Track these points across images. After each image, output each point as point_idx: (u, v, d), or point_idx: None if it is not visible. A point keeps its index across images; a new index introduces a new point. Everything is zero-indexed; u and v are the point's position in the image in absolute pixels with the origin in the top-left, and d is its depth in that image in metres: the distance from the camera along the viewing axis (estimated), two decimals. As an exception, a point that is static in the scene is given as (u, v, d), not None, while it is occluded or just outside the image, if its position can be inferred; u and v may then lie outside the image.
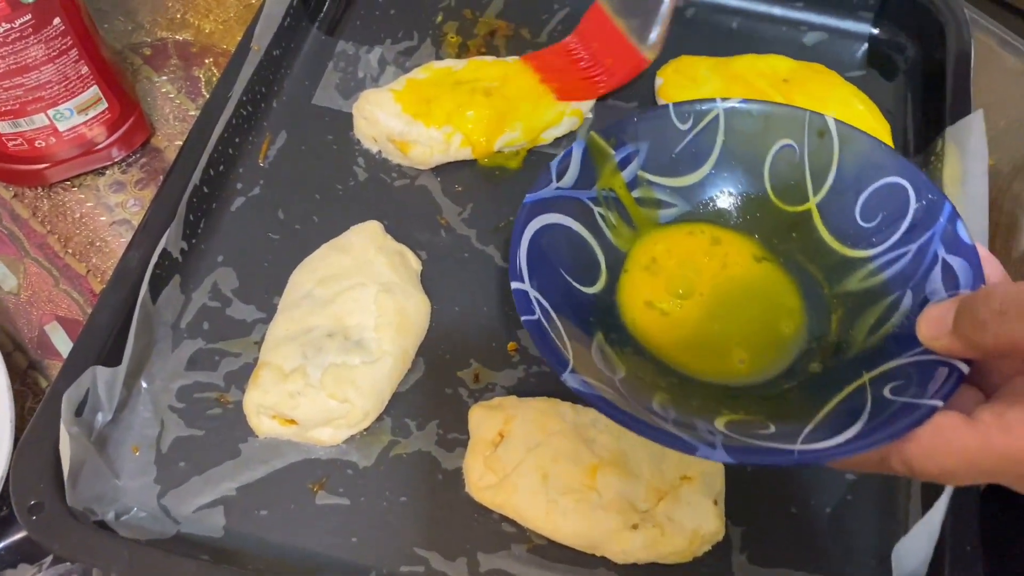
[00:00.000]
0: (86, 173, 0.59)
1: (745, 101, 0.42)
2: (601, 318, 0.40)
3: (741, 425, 0.34)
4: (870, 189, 0.40)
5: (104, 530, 0.42)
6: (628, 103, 0.59)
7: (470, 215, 0.54)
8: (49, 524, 0.40)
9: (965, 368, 0.31)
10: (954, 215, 0.37)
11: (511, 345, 0.49)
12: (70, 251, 0.57)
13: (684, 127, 0.42)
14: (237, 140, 0.55)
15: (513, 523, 0.44)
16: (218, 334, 0.49)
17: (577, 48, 0.59)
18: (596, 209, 0.42)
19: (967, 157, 0.50)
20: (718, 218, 0.43)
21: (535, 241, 0.39)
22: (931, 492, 0.43)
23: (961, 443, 0.28)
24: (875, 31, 0.62)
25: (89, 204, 0.59)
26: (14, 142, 0.55)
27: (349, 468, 0.45)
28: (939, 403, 0.30)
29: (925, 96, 0.58)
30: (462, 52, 0.61)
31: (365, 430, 0.46)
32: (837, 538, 0.44)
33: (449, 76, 0.56)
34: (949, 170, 0.52)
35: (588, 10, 0.59)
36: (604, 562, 0.43)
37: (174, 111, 0.63)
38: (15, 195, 0.59)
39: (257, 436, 0.46)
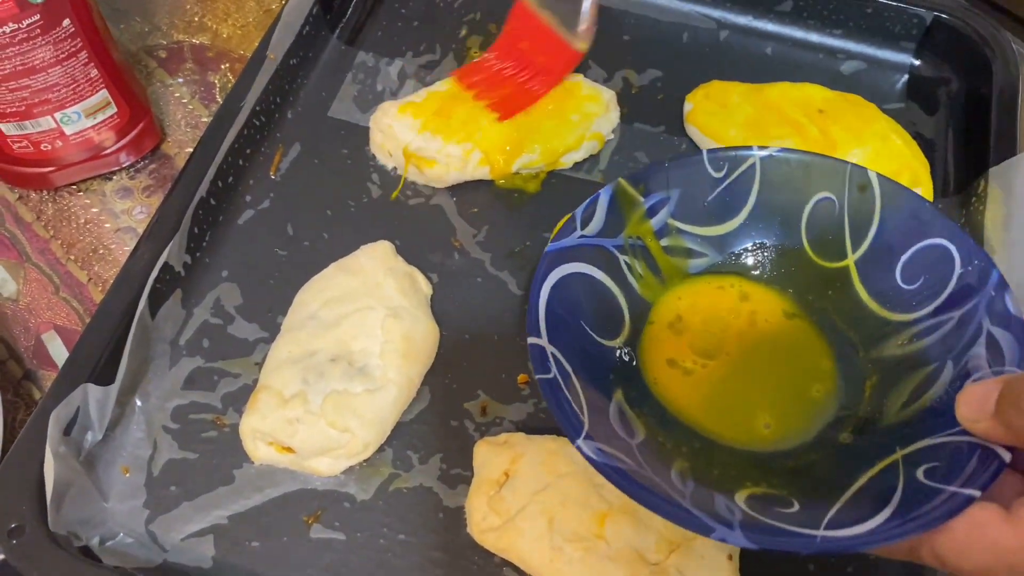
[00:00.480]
0: (93, 178, 0.58)
1: (783, 150, 0.40)
2: (621, 374, 0.38)
3: (763, 501, 0.32)
4: (913, 249, 0.38)
5: (87, 557, 0.40)
6: (655, 127, 0.57)
7: (485, 238, 0.52)
8: (29, 549, 0.39)
9: (1007, 456, 0.29)
10: (1002, 284, 0.35)
11: (521, 377, 0.47)
12: (72, 258, 0.56)
13: (718, 175, 0.41)
14: (248, 151, 0.53)
15: (516, 569, 0.41)
16: (218, 353, 0.47)
17: (501, 56, 0.55)
18: (622, 258, 0.40)
19: (1012, 200, 0.48)
20: (750, 271, 0.41)
21: (556, 291, 0.37)
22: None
23: (999, 540, 0.27)
24: (916, 62, 0.59)
25: (95, 210, 0.57)
26: (19, 144, 0.53)
27: (346, 501, 0.43)
28: (976, 493, 0.29)
29: (968, 133, 0.56)
30: (485, 68, 0.59)
31: (365, 461, 0.44)
32: (859, 601, 0.41)
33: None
34: (991, 213, 0.49)
35: (512, 10, 0.55)
36: (611, 616, 0.40)
37: (186, 117, 0.61)
38: (19, 197, 0.58)
39: (252, 462, 0.44)
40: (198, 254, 0.50)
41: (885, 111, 0.55)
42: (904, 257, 0.38)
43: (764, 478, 0.35)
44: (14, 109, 0.51)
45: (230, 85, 0.62)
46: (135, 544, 0.42)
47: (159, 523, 0.42)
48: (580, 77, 0.57)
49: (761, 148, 0.40)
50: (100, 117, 0.54)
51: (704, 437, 0.37)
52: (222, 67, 0.64)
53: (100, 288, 0.54)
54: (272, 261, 0.50)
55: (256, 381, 0.46)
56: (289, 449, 0.43)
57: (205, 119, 0.61)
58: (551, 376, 0.35)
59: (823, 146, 0.52)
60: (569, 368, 0.36)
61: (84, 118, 0.53)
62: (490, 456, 0.43)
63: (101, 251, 0.56)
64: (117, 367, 0.43)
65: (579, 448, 0.32)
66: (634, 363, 0.39)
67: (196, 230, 0.49)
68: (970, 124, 0.56)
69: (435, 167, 0.53)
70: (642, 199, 0.41)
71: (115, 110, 0.54)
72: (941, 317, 0.36)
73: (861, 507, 0.31)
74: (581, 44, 0.53)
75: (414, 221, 0.53)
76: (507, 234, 0.52)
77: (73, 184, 0.58)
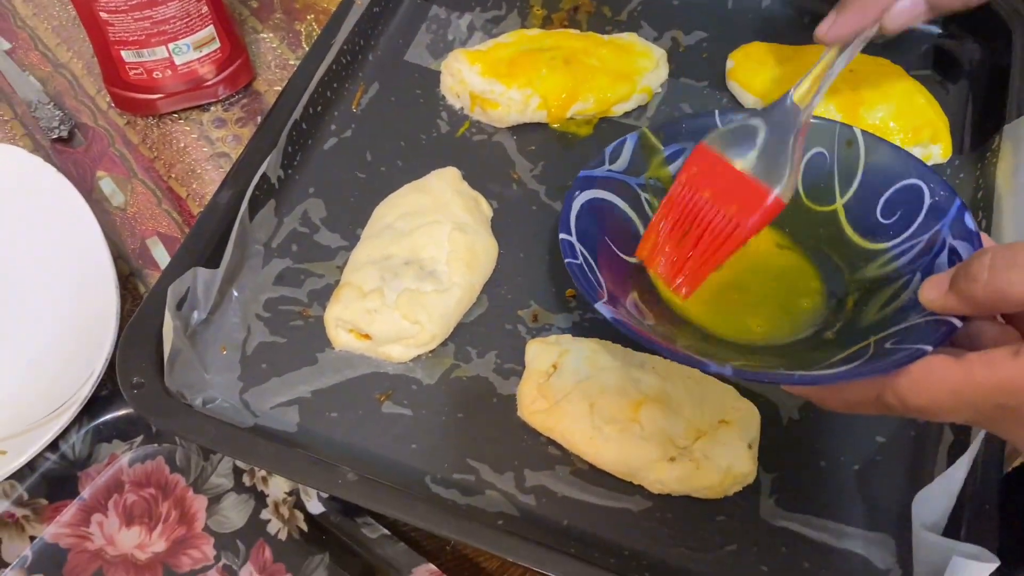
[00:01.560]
0: (192, 108, 0.65)
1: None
2: (637, 281, 0.45)
3: (753, 367, 0.38)
4: (891, 190, 0.45)
5: (194, 410, 0.47)
6: (699, 82, 0.62)
7: (541, 172, 0.58)
8: (148, 399, 0.45)
9: (959, 323, 0.34)
10: (962, 209, 0.41)
11: (569, 291, 0.53)
12: (173, 176, 0.63)
13: (727, 128, 0.46)
14: (335, 86, 0.60)
15: (559, 447, 0.47)
16: (305, 256, 0.54)
17: (678, 209, 0.45)
18: (643, 194, 0.47)
19: (1021, 151, 0.53)
20: None
21: (584, 208, 0.44)
22: (957, 455, 0.46)
23: (947, 376, 0.31)
24: (942, 32, 0.64)
25: (193, 136, 0.64)
26: (135, 71, 0.61)
27: (414, 384, 0.49)
28: (929, 348, 0.33)
29: (987, 97, 0.60)
30: (546, 24, 0.65)
31: (431, 352, 0.50)
32: (862, 493, 0.46)
33: (533, 43, 0.60)
34: (1004, 165, 0.54)
35: (690, 156, 0.46)
36: (640, 490, 0.46)
37: (275, 59, 0.68)
38: (128, 123, 0.65)
39: (333, 348, 0.50)
40: (290, 171, 0.56)
41: (912, 76, 0.60)
42: (884, 197, 0.45)
43: (756, 359, 0.41)
44: (135, 38, 0.58)
45: (315, 33, 0.69)
46: (231, 408, 0.48)
47: (251, 393, 0.49)
48: (634, 35, 0.62)
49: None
50: (205, 51, 0.61)
51: (706, 332, 0.43)
52: (308, 17, 0.71)
53: (197, 203, 0.61)
54: (352, 182, 0.57)
55: (338, 281, 0.52)
56: (366, 336, 0.50)
57: (292, 62, 0.68)
58: (579, 261, 0.41)
59: (852, 102, 0.57)
60: (593, 261, 0.42)
61: (192, 50, 0.60)
62: (540, 351, 0.49)
63: (198, 171, 0.63)
64: (221, 257, 0.50)
65: (599, 310, 0.39)
66: (647, 275, 0.45)
67: (289, 149, 0.56)
68: (990, 89, 0.60)
69: (498, 109, 0.59)
70: (662, 147, 0.47)
71: (218, 45, 0.61)
72: (913, 241, 0.43)
73: (836, 367, 0.37)
74: (785, 195, 0.43)
75: (477, 155, 0.59)
76: (560, 170, 0.58)
77: (175, 112, 0.65)
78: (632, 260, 0.46)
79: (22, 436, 0.49)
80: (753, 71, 0.60)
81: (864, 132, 0.46)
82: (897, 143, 0.56)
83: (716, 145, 0.45)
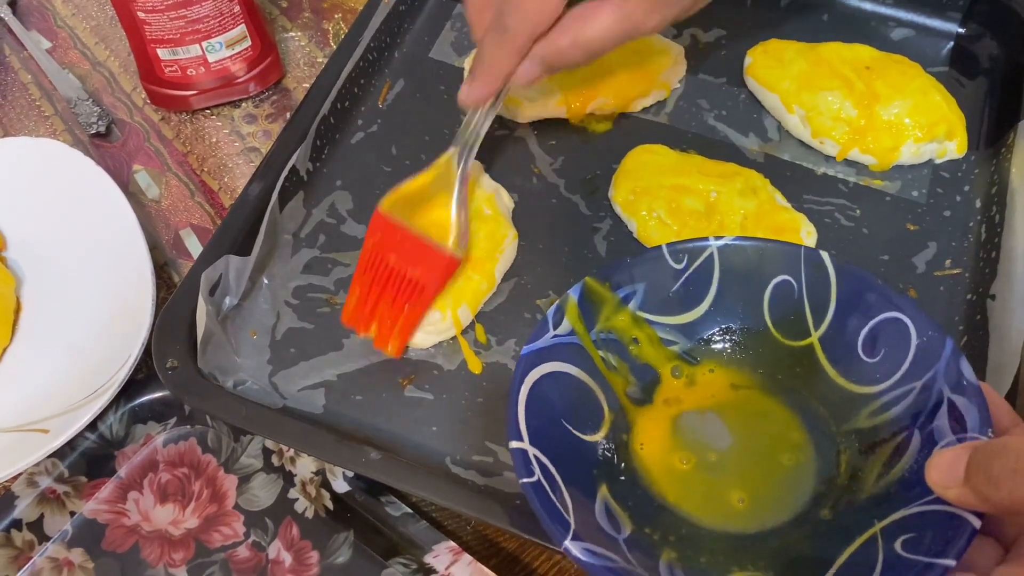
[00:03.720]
0: (224, 104, 0.67)
1: (739, 239, 0.42)
2: (604, 468, 0.40)
3: None
4: (871, 324, 0.39)
5: (225, 391, 0.49)
6: (717, 79, 0.63)
7: (560, 166, 0.59)
8: (182, 380, 0.48)
9: (977, 523, 0.31)
10: (956, 353, 0.36)
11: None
12: (206, 170, 0.65)
13: (679, 266, 0.42)
14: (362, 82, 0.62)
15: (575, 431, 0.49)
16: (332, 246, 0.56)
17: (368, 276, 0.50)
18: (598, 352, 0.42)
19: (1036, 148, 0.53)
20: (719, 354, 0.43)
21: (534, 392, 0.38)
22: None
23: None
24: (961, 30, 0.65)
25: (224, 131, 0.67)
26: (170, 68, 0.63)
27: (435, 369, 0.51)
28: (952, 563, 0.31)
29: (1004, 94, 0.61)
30: (567, 22, 0.67)
31: (452, 339, 0.52)
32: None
33: (554, 40, 0.62)
34: (1018, 160, 0.55)
35: (370, 223, 0.51)
36: (654, 474, 0.47)
37: (304, 57, 0.70)
38: (162, 118, 0.67)
39: (358, 334, 0.52)
40: (318, 164, 0.58)
41: (929, 73, 0.61)
42: (863, 332, 0.40)
43: (751, 561, 0.36)
44: (170, 36, 0.60)
45: (342, 32, 0.71)
46: (260, 391, 0.50)
47: (280, 376, 0.51)
48: (652, 32, 0.64)
49: (717, 238, 0.42)
50: (237, 48, 0.63)
51: (689, 522, 0.38)
52: (335, 16, 0.73)
53: (228, 196, 0.64)
54: (379, 175, 0.59)
55: (363, 270, 0.54)
56: (390, 323, 0.51)
57: (320, 60, 0.70)
58: (535, 479, 0.35)
59: (868, 99, 0.58)
60: (553, 469, 0.36)
61: (224, 48, 0.62)
62: (557, 339, 0.51)
63: (230, 166, 0.65)
64: (252, 246, 0.52)
65: (567, 550, 0.33)
66: (615, 458, 0.40)
67: (318, 143, 0.58)
68: (1007, 86, 0.61)
69: (519, 104, 0.61)
70: (611, 293, 0.42)
71: (249, 43, 0.64)
72: (904, 387, 0.38)
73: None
74: (457, 252, 0.49)
75: (499, 149, 0.60)
76: (580, 164, 0.60)
77: (208, 108, 0.67)
78: (592, 439, 0.40)
79: (63, 416, 0.51)
80: (771, 68, 0.61)
81: (832, 256, 0.41)
82: (912, 138, 0.58)
83: (393, 212, 0.50)
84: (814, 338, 0.41)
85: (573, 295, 0.41)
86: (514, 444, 0.36)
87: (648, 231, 0.55)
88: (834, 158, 0.59)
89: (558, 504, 0.35)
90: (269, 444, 0.53)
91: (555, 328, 0.40)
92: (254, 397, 0.50)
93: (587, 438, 0.40)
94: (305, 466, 0.52)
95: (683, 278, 0.43)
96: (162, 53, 0.61)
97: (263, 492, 0.52)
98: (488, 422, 0.49)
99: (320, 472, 0.51)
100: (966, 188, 0.58)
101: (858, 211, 0.57)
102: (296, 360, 0.51)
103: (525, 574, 0.50)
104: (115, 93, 0.69)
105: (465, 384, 0.51)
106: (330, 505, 0.51)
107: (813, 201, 0.57)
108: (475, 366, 0.51)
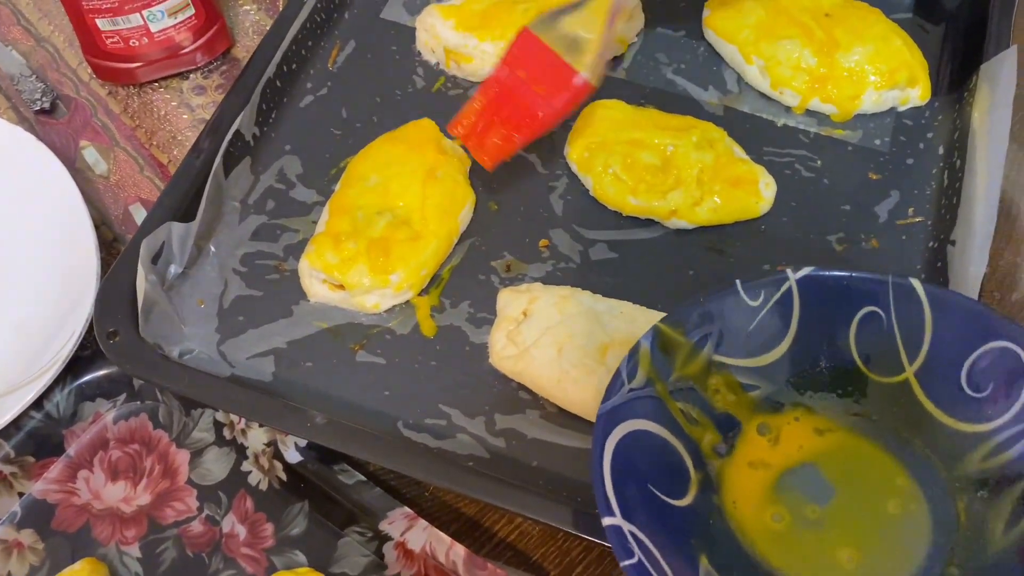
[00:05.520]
0: (172, 76, 0.65)
1: (818, 269, 0.39)
2: (700, 535, 0.36)
3: None
4: (975, 355, 0.36)
5: (169, 359, 0.47)
6: (676, 31, 0.62)
7: (516, 125, 0.58)
8: (124, 350, 0.46)
9: None
10: None
11: (543, 242, 0.53)
12: (155, 144, 0.63)
13: (755, 303, 0.39)
14: (310, 44, 0.60)
15: (529, 392, 0.48)
16: (281, 212, 0.54)
17: (494, 87, 0.50)
18: (677, 405, 0.38)
19: (997, 89, 0.52)
20: (805, 397, 0.40)
21: (617, 457, 0.35)
22: None
23: None
24: (923, -25, 0.63)
25: (173, 104, 0.65)
26: (112, 40, 0.61)
27: (387, 334, 0.50)
28: None
29: (967, 40, 0.60)
30: (521, -21, 0.65)
31: (405, 302, 0.51)
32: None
33: (507, -4, 0.60)
34: (979, 103, 0.54)
35: (514, 38, 0.51)
36: (612, 432, 0.46)
37: (253, 26, 0.68)
38: (109, 92, 0.66)
39: (308, 300, 0.51)
40: (265, 128, 0.57)
41: (891, 19, 0.59)
42: (967, 363, 0.36)
43: None
44: (108, 5, 0.58)
45: (293, -1, 0.69)
46: (208, 360, 0.49)
47: (228, 345, 0.50)
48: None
49: (795, 270, 0.39)
50: (180, 17, 0.61)
51: None
52: (286, -17, 0.71)
53: (178, 168, 0.62)
54: (328, 138, 0.57)
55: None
56: (340, 287, 0.50)
57: (271, 27, 0.68)
58: (635, 560, 0.32)
59: (828, 46, 0.57)
60: (651, 545, 0.33)
61: (167, 16, 0.61)
62: (511, 299, 0.50)
63: (179, 138, 0.63)
64: (196, 212, 0.51)
65: None
66: (710, 522, 0.36)
67: (264, 107, 0.56)
68: (970, 32, 0.59)
69: (472, 63, 0.59)
70: (685, 338, 0.39)
71: (193, 11, 0.62)
72: (1022, 423, 0.34)
73: None
74: (591, 77, 0.49)
75: (453, 109, 0.57)
76: (536, 122, 0.58)
77: (155, 81, 0.65)
78: (683, 504, 0.37)
79: (7, 396, 0.50)
80: (729, 18, 0.60)
81: (927, 284, 0.37)
82: (873, 86, 0.56)
83: (540, 29, 0.49)
84: (909, 373, 0.38)
85: (645, 343, 0.38)
86: (608, 521, 0.33)
87: (604, 188, 0.53)
88: (794, 109, 0.58)
89: None
90: (220, 417, 0.51)
91: (630, 381, 0.37)
92: (201, 366, 0.48)
93: (678, 503, 0.36)
94: (257, 438, 0.50)
95: (760, 315, 0.39)
96: (102, 24, 0.60)
97: (216, 466, 0.51)
98: (441, 385, 0.48)
99: (272, 443, 0.50)
100: (929, 135, 0.56)
101: (819, 162, 0.56)
102: (245, 328, 0.50)
103: (486, 538, 0.49)
104: (60, 68, 0.67)
105: (418, 348, 0.49)
106: (283, 476, 0.50)
107: (773, 153, 0.56)
108: (428, 329, 0.50)
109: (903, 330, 0.38)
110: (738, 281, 0.39)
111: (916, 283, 0.38)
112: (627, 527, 0.33)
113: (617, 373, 0.37)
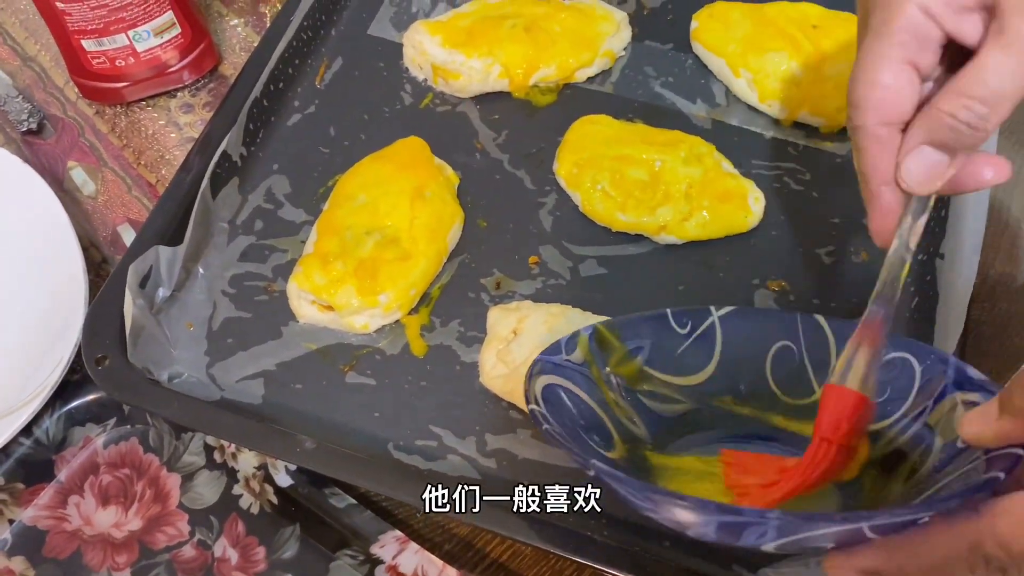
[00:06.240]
0: (159, 95, 0.65)
1: (739, 309, 0.44)
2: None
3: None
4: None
5: (157, 384, 0.47)
6: (664, 45, 0.61)
7: (504, 141, 0.58)
8: (112, 374, 0.46)
9: (1021, 451, 0.30)
10: (960, 363, 0.37)
11: (532, 258, 0.53)
12: (143, 163, 0.63)
13: (683, 331, 0.44)
14: (297, 62, 0.60)
15: (520, 411, 0.47)
16: (269, 232, 0.54)
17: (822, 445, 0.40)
18: (606, 391, 0.42)
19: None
20: (724, 416, 0.43)
21: (550, 390, 0.39)
22: None
23: None
24: (909, -15, 0.63)
25: (161, 123, 0.65)
26: (98, 60, 0.61)
27: (377, 354, 0.50)
28: (1000, 475, 0.30)
29: (954, 48, 0.60)
30: (508, -7, 0.65)
31: (395, 322, 0.51)
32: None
33: (493, 11, 0.60)
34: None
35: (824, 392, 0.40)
36: (603, 450, 0.46)
37: (241, 43, 0.68)
38: (97, 112, 0.65)
39: (297, 321, 0.51)
40: (252, 148, 0.56)
41: (878, 30, 0.59)
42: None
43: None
44: (94, 26, 0.58)
45: (280, 15, 0.69)
46: (197, 383, 0.49)
47: (217, 368, 0.49)
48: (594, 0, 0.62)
49: (718, 308, 0.44)
50: (166, 36, 0.61)
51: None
52: (273, -1, 0.71)
53: (166, 187, 0.62)
54: (317, 157, 0.57)
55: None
56: (329, 308, 0.50)
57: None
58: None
59: (815, 58, 0.57)
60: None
61: (153, 36, 0.60)
62: (500, 318, 0.49)
63: (167, 157, 0.63)
64: (184, 234, 0.50)
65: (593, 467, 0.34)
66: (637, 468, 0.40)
67: (251, 126, 0.56)
68: (956, 39, 0.59)
69: (459, 79, 0.59)
70: (619, 343, 0.43)
71: (179, 31, 0.61)
72: (914, 412, 0.38)
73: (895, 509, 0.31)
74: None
75: (441, 126, 0.59)
76: (524, 138, 0.58)
77: (142, 100, 0.65)
78: (611, 455, 0.40)
79: (-5, 422, 0.49)
80: (716, 31, 0.60)
81: (829, 318, 0.42)
82: (861, 96, 0.56)
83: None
84: (819, 395, 0.40)
85: (585, 333, 0.42)
86: (532, 407, 0.37)
87: (593, 204, 0.53)
88: (783, 121, 0.58)
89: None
90: (211, 440, 0.51)
91: (568, 354, 0.41)
92: (190, 390, 0.48)
93: (604, 452, 0.39)
94: (247, 461, 0.50)
95: (687, 343, 0.44)
96: (87, 44, 0.59)
97: (207, 490, 0.51)
98: (432, 405, 0.48)
99: (263, 467, 0.50)
100: (918, 145, 0.56)
101: (808, 175, 0.56)
102: (234, 350, 0.50)
103: (478, 559, 0.49)
104: (47, 88, 0.67)
105: (408, 368, 0.49)
106: (274, 500, 0.49)
107: (762, 166, 0.56)
108: (419, 349, 0.50)
109: (812, 359, 0.43)
110: (668, 310, 0.44)
111: (821, 319, 0.43)
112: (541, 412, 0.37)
113: (556, 343, 0.41)
